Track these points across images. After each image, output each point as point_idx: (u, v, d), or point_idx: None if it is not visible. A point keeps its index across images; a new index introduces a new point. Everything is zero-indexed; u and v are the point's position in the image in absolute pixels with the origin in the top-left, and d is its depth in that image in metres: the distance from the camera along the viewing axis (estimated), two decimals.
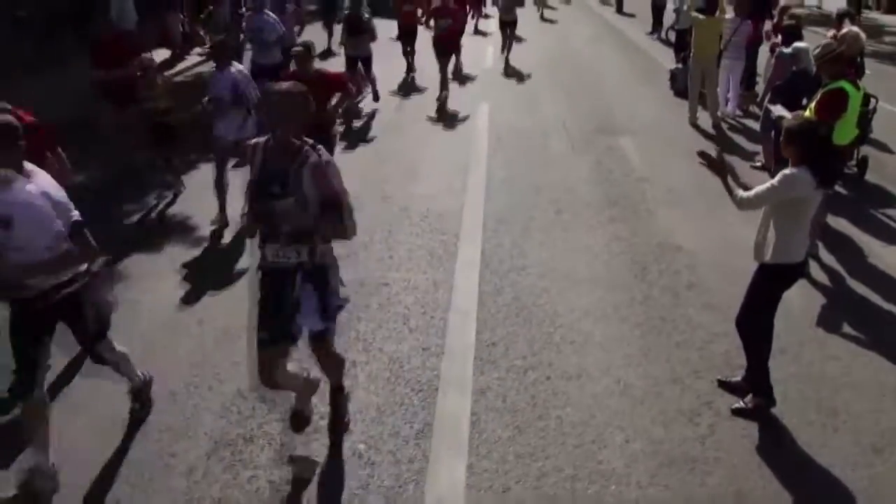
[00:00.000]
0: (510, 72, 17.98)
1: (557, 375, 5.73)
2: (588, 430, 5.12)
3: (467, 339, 6.20)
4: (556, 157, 11.08)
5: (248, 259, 7.52)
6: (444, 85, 14.33)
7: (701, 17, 12.72)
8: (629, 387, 5.60)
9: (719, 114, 13.03)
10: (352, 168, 9.23)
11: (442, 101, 14.04)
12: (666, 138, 12.18)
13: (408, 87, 16.06)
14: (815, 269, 7.49)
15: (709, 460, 4.86)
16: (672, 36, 20.13)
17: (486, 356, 5.96)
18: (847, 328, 6.51)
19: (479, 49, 20.63)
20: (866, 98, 9.10)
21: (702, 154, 5.17)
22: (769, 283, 5.16)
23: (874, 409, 5.41)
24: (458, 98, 14.57)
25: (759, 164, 10.36)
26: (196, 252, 7.90)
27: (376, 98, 14.25)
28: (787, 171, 4.90)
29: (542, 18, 28.35)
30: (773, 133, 9.20)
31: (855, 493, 4.60)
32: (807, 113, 7.37)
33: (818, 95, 7.28)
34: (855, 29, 9.54)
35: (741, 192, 5.04)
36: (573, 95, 15.11)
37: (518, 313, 6.62)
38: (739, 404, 5.33)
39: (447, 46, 14.61)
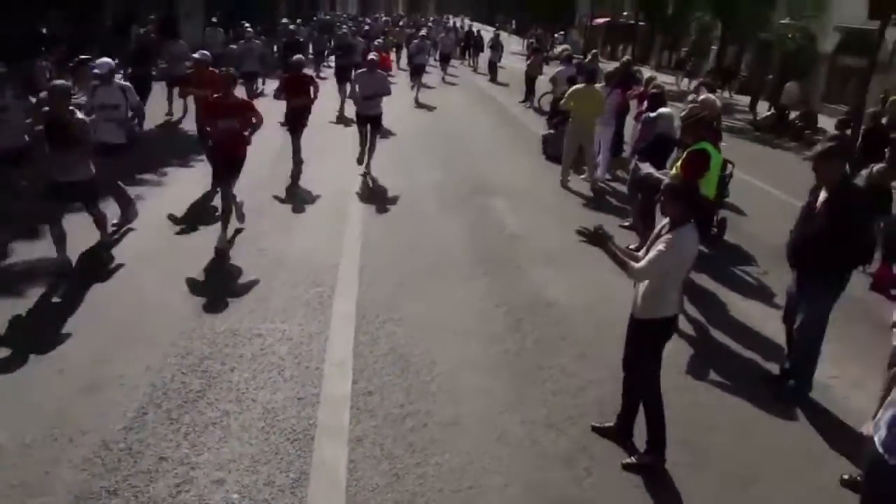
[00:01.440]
0: (387, 137, 18.06)
1: (435, 423, 5.67)
2: (466, 475, 5.07)
3: (343, 388, 6.08)
4: (431, 217, 11.15)
5: (103, 302, 7.21)
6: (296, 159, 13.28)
7: (581, 85, 13.22)
8: (506, 433, 5.60)
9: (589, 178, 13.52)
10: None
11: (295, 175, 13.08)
12: (538, 199, 12.51)
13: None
14: (682, 322, 7.76)
15: (586, 500, 4.90)
16: (545, 104, 20.91)
17: (362, 405, 5.85)
18: (713, 375, 6.79)
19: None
20: (724, 163, 9.64)
21: (581, 231, 5.07)
22: (649, 336, 5.25)
23: (739, 449, 5.60)
24: (337, 162, 14.44)
25: (626, 223, 10.75)
26: (56, 299, 7.48)
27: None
28: (671, 234, 4.95)
29: (417, 103, 23.89)
30: (639, 193, 9.59)
31: None
32: (672, 172, 7.75)
33: (684, 155, 7.66)
34: (713, 96, 10.16)
35: (633, 264, 5.01)
36: (448, 160, 15.30)
37: (394, 363, 6.55)
38: (630, 459, 5.36)
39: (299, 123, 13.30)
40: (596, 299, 8.11)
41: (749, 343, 7.48)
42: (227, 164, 9.34)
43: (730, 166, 10.52)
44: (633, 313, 5.32)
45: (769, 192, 14.39)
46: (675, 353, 7.00)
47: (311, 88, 12.99)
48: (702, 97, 10.13)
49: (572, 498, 4.92)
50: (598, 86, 13.28)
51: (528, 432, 5.63)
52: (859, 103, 21.05)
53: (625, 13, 41.54)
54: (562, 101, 13.74)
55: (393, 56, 31.27)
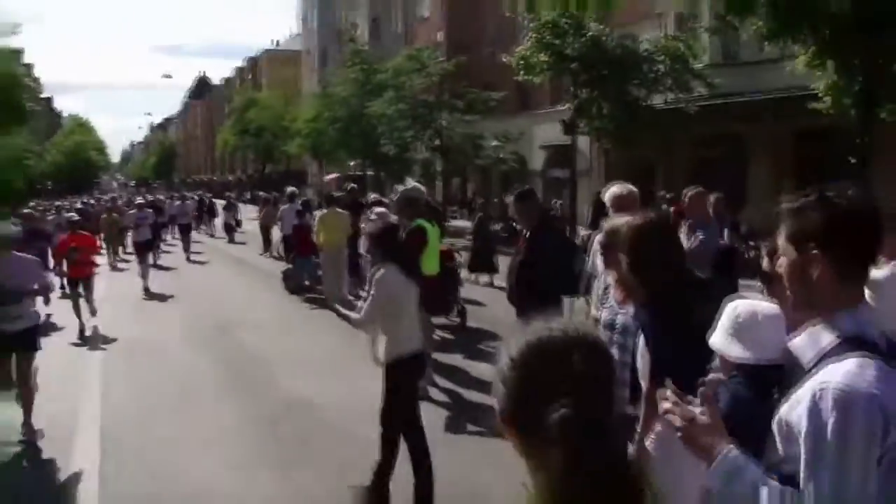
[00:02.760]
0: (126, 289, 17.26)
1: None
2: None
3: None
4: (174, 356, 10.69)
5: None
6: None
7: (325, 211, 13.76)
8: None
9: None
10: None
11: None
12: (284, 326, 12.52)
13: None
14: (436, 393, 8.05)
15: None
16: (282, 250, 21.11)
17: None
18: (470, 427, 7.01)
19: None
20: (451, 254, 10.25)
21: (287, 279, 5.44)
22: (398, 378, 5.34)
23: (508, 484, 5.76)
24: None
25: None
26: None
27: None
28: (375, 277, 5.27)
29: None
30: None
31: None
32: None
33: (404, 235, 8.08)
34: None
35: (355, 315, 5.34)
36: (195, 307, 14.95)
37: (143, 478, 6.13)
38: None
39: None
40: (350, 394, 8.18)
41: None
42: None
43: (458, 258, 11.21)
44: (376, 364, 5.45)
45: (501, 284, 15.32)
46: (435, 416, 7.21)
47: None
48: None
49: None
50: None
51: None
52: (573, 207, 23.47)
53: (352, 163, 43.31)
54: (313, 234, 14.14)
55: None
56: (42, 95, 70.06)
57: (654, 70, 22.69)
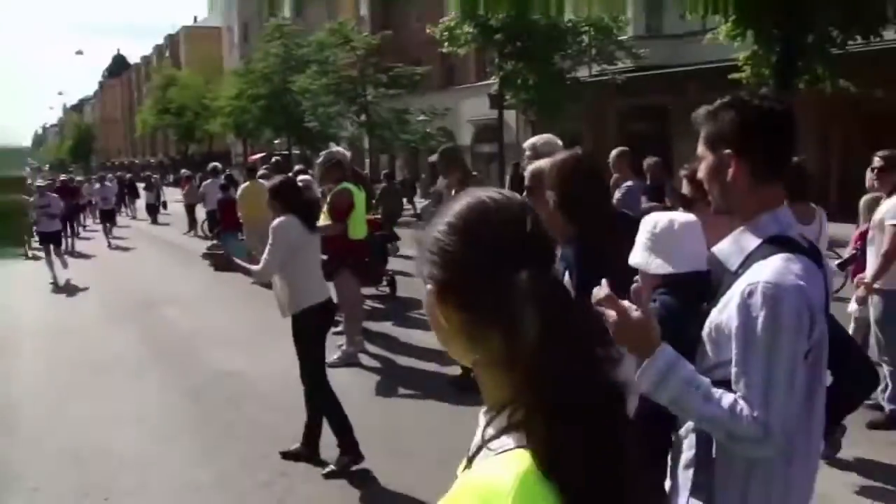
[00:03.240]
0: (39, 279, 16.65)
1: (118, 492, 5.18)
2: None
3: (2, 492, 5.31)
4: (91, 335, 10.28)
5: None
6: None
7: (247, 183, 13.24)
8: (196, 481, 5.29)
9: None
10: None
11: None
12: (211, 301, 12.21)
13: None
14: (367, 359, 7.95)
15: None
16: (206, 229, 20.62)
17: (27, 500, 5.15)
18: (402, 389, 6.95)
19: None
20: (379, 225, 10.10)
21: (205, 255, 5.40)
22: (305, 327, 5.27)
23: (432, 439, 5.68)
24: None
25: None
26: None
27: None
28: (274, 223, 5.22)
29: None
30: None
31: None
32: (323, 218, 7.94)
33: (328, 198, 7.90)
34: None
35: (254, 267, 5.30)
36: (116, 288, 14.47)
37: (63, 458, 5.85)
38: (329, 468, 5.23)
39: None
40: (276, 364, 7.97)
41: (433, 359, 7.70)
42: None
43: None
44: (283, 315, 5.36)
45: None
46: (364, 382, 7.09)
47: None
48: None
49: None
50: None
51: (221, 475, 5.33)
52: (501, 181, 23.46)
53: (275, 141, 42.58)
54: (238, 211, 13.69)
55: None
56: None
57: (579, 41, 22.82)
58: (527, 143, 5.22)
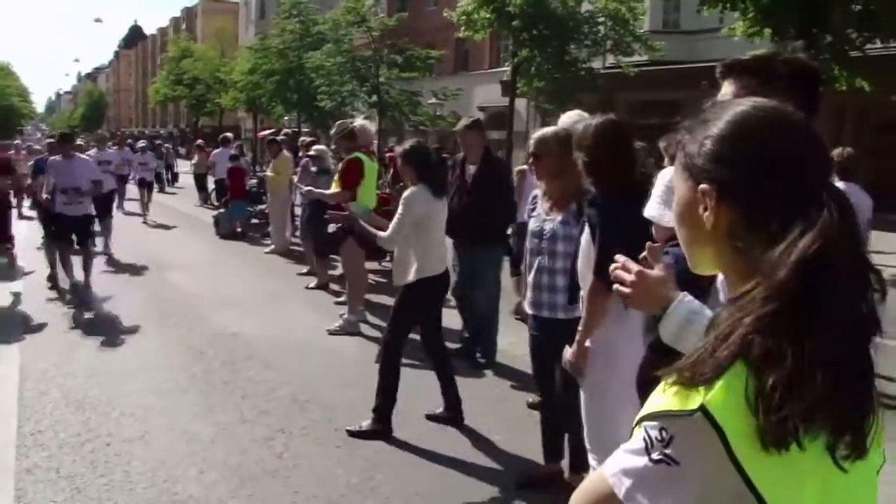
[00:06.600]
0: None
1: (119, 440, 5.27)
2: (158, 474, 4.76)
3: (6, 435, 5.41)
4: (98, 292, 10.39)
5: None
6: None
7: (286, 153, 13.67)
8: (197, 434, 5.37)
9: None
10: None
11: None
12: (215, 267, 12.36)
13: None
14: (367, 329, 8.06)
15: (288, 467, 4.84)
16: (213, 198, 20.73)
17: (30, 443, 5.26)
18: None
19: None
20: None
21: (332, 219, 5.76)
22: (410, 296, 5.32)
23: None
24: None
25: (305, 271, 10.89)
26: None
27: None
28: (406, 193, 5.24)
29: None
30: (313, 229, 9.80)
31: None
32: (333, 186, 8.01)
33: (340, 165, 7.97)
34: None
35: (381, 233, 5.28)
36: (123, 252, 14.56)
37: (68, 404, 5.99)
38: (357, 427, 5.33)
39: None
40: (276, 327, 8.17)
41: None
42: None
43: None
44: (396, 282, 5.53)
45: None
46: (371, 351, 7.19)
47: None
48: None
49: (272, 468, 4.81)
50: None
51: (221, 430, 5.45)
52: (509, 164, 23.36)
53: (286, 118, 42.56)
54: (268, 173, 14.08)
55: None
56: None
57: (595, 31, 22.79)
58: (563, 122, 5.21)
